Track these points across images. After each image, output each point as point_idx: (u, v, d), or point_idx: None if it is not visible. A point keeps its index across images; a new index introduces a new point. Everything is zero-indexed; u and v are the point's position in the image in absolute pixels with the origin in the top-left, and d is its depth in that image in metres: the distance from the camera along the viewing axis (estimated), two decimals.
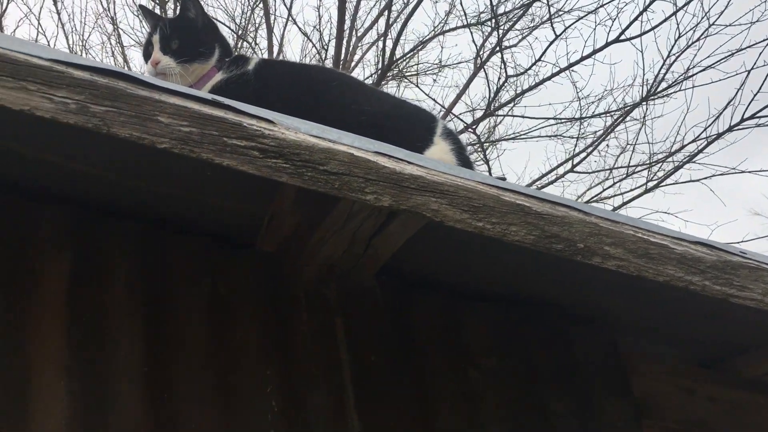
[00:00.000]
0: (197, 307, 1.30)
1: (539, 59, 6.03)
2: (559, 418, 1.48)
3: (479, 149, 6.53)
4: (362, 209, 1.24)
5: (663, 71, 6.73)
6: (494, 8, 6.01)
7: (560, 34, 5.78)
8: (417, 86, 6.69)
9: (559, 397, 1.50)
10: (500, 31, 6.11)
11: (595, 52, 5.99)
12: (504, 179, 1.12)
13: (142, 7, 1.94)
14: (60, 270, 1.21)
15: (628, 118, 7.39)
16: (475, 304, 1.55)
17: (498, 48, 6.27)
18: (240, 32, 9.02)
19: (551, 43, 5.84)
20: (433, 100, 6.59)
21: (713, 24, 6.25)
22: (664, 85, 6.98)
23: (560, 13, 6.60)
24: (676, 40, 6.63)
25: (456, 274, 1.51)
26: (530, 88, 6.38)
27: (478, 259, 1.40)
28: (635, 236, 1.05)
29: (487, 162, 6.24)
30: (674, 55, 6.73)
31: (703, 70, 6.70)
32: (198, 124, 0.93)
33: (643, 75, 6.73)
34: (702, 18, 6.58)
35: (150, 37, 1.81)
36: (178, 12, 1.89)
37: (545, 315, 1.57)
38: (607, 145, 7.15)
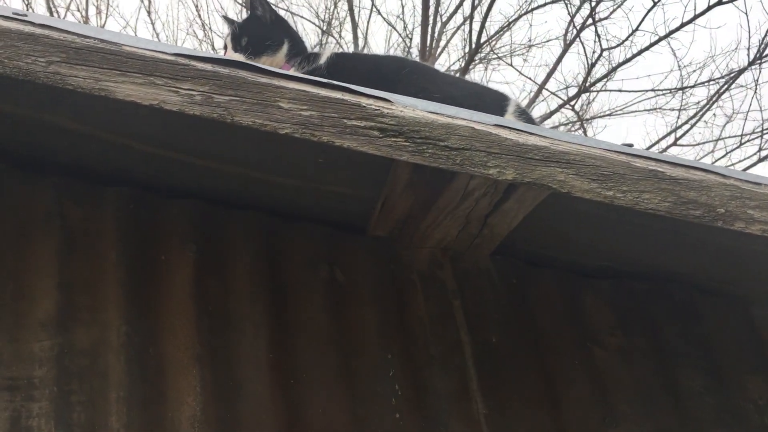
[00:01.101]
0: (316, 292, 1.32)
1: (636, 29, 5.75)
2: (694, 397, 1.41)
3: (579, 127, 6.33)
4: (478, 187, 1.21)
5: None
6: None
7: (658, 1, 5.49)
8: (510, 65, 6.53)
9: (692, 374, 1.42)
10: (592, 2, 5.88)
11: (696, 17, 5.65)
12: (631, 146, 1.07)
13: (224, 17, 2.03)
14: (187, 261, 1.25)
15: (733, 85, 6.97)
16: (594, 281, 1.50)
17: (591, 20, 6.03)
18: (325, 27, 9.14)
19: (648, 11, 5.55)
20: (525, 76, 6.44)
21: None
22: None
23: None
24: None
25: (573, 251, 1.46)
26: (627, 60, 6.10)
27: (596, 234, 1.34)
28: None
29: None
30: None
31: None
32: (318, 107, 0.93)
33: (749, 38, 6.32)
34: None
35: (225, 40, 1.88)
36: (249, 12, 1.95)
37: (670, 288, 1.49)
38: (714, 114, 6.76)
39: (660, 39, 5.71)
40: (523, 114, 1.70)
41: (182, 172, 1.30)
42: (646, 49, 5.87)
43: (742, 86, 7.08)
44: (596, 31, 5.76)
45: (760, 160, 6.33)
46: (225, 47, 1.89)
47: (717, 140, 6.86)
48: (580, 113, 6.61)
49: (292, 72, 1.80)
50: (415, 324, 1.36)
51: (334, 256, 1.37)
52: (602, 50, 5.90)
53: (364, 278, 1.37)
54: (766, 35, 6.37)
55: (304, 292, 1.31)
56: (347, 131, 0.93)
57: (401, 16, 9.19)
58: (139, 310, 1.16)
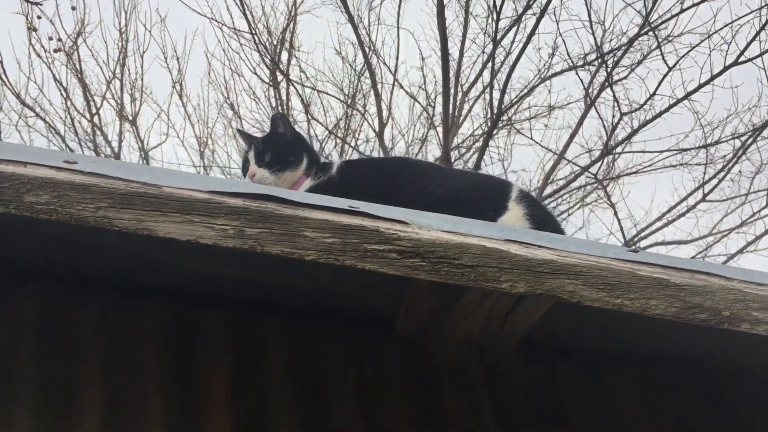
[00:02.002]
0: (348, 394, 1.37)
1: (653, 94, 5.86)
2: None
3: (603, 194, 6.38)
4: (495, 291, 1.28)
5: None
6: (600, 47, 5.94)
7: (673, 66, 5.61)
8: (531, 138, 6.66)
9: None
10: (607, 69, 6.01)
11: (713, 77, 5.75)
12: (636, 251, 1.13)
13: (239, 131, 2.20)
14: (223, 370, 1.32)
15: (759, 138, 6.98)
16: (619, 367, 1.53)
17: (608, 84, 6.16)
18: (349, 101, 9.43)
19: (665, 76, 5.67)
20: (544, 147, 6.54)
21: None
22: None
23: (669, 39, 6.42)
24: None
25: (596, 339, 1.50)
26: (646, 123, 6.19)
27: (617, 324, 1.38)
28: None
29: (612, 205, 6.08)
30: None
31: None
32: (339, 234, 1.01)
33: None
34: None
35: (246, 155, 2.04)
36: (269, 129, 2.10)
37: (697, 370, 1.52)
38: (740, 171, 6.76)
39: (678, 101, 5.80)
40: (526, 197, 1.79)
41: (214, 281, 1.38)
42: (666, 111, 5.96)
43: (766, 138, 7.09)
44: (614, 96, 5.85)
45: None
46: (245, 161, 2.03)
47: (747, 194, 6.83)
48: (601, 176, 6.66)
49: (308, 182, 1.94)
50: (445, 420, 1.41)
51: (363, 356, 1.43)
52: (621, 114, 5.99)
53: (393, 376, 1.43)
54: None
55: (337, 394, 1.37)
56: (368, 255, 1.01)
57: (423, 86, 9.43)
58: (181, 421, 1.23)
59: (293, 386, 1.34)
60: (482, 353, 1.48)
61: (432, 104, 9.12)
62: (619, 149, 6.74)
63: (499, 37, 6.81)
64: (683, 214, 7.13)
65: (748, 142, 6.85)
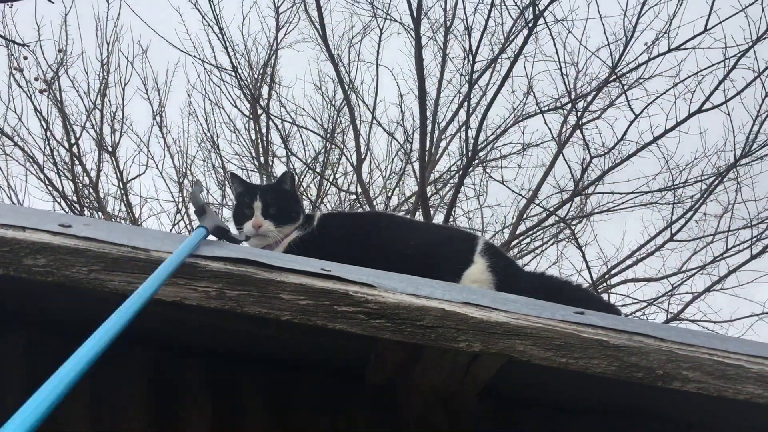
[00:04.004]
0: None
1: (621, 139, 6.10)
2: None
3: (571, 236, 6.56)
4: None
5: (754, 131, 6.62)
6: (569, 92, 6.18)
7: (639, 114, 5.85)
8: (502, 183, 6.85)
9: None
10: (577, 113, 6.24)
11: (678, 124, 6.00)
12: (582, 313, 1.24)
13: (233, 175, 2.28)
14: (203, 416, 1.40)
15: (726, 180, 7.24)
16: (577, 418, 1.63)
17: (578, 127, 6.38)
18: (327, 136, 9.58)
19: (631, 123, 5.91)
20: (514, 191, 6.72)
21: None
22: (761, 141, 6.84)
23: (635, 85, 6.68)
24: (763, 99, 6.53)
25: (552, 391, 1.60)
26: (615, 166, 6.42)
27: (571, 378, 1.49)
28: (711, 359, 1.13)
29: (579, 247, 6.25)
30: (765, 113, 6.61)
31: None
32: (312, 297, 1.11)
33: (734, 137, 6.62)
34: None
35: (250, 201, 2.11)
36: (274, 182, 2.21)
37: (646, 423, 1.62)
38: (704, 214, 6.99)
39: (645, 146, 6.02)
40: (490, 250, 1.92)
41: (196, 332, 1.47)
42: (633, 154, 6.18)
43: (733, 180, 7.35)
44: (584, 139, 6.06)
45: (753, 257, 6.49)
46: (246, 207, 2.10)
47: (713, 234, 7.05)
48: (570, 217, 6.85)
49: (295, 233, 2.04)
50: None
51: (336, 404, 1.52)
52: (591, 157, 6.20)
53: (363, 424, 1.51)
54: (749, 135, 6.68)
55: None
56: (338, 316, 1.11)
57: (401, 122, 9.60)
58: None
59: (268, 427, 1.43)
60: (446, 402, 1.57)
61: (410, 140, 9.30)
62: (590, 189, 6.95)
63: (474, 78, 7.02)
64: (652, 253, 7.33)
65: (714, 183, 7.09)
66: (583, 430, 1.62)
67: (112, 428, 1.33)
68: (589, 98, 6.53)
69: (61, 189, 8.66)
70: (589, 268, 6.03)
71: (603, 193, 7.15)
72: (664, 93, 5.99)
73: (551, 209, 6.76)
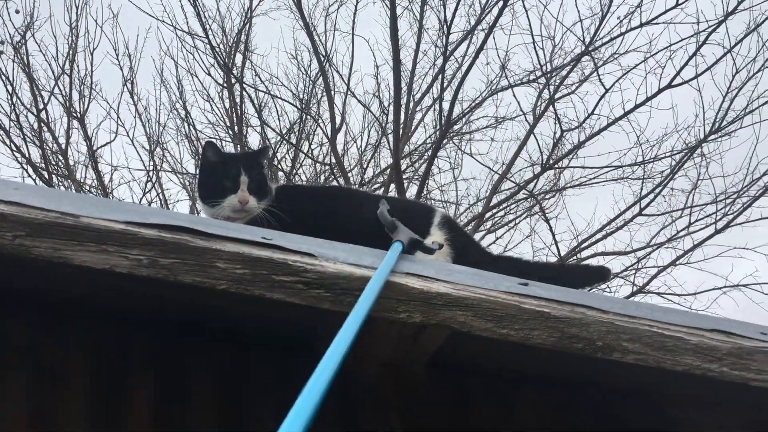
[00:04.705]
0: (270, 412, 1.44)
1: (591, 113, 6.11)
2: None
3: (539, 211, 6.59)
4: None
5: (724, 108, 6.67)
6: (542, 66, 6.16)
7: (609, 88, 5.85)
8: (470, 155, 6.84)
9: None
10: (549, 88, 6.23)
11: (648, 99, 6.02)
12: (526, 284, 1.23)
13: (210, 144, 2.13)
14: (147, 387, 1.37)
15: (695, 156, 7.30)
16: (523, 387, 1.63)
17: (550, 102, 6.38)
18: (303, 106, 9.47)
19: (601, 97, 5.93)
20: (485, 166, 6.71)
21: None
22: (731, 117, 6.90)
23: (609, 61, 6.67)
24: (733, 76, 6.58)
25: (500, 361, 1.60)
26: (585, 141, 6.43)
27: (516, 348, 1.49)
28: (651, 330, 1.13)
29: (547, 221, 6.28)
30: (734, 90, 6.67)
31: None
32: (250, 266, 1.08)
33: (704, 114, 6.67)
34: (761, 49, 6.53)
35: (234, 174, 2.02)
36: (253, 154, 2.15)
37: (590, 393, 1.63)
38: (671, 189, 7.06)
39: (615, 120, 6.03)
40: (448, 223, 1.90)
41: (142, 301, 1.43)
42: (603, 129, 6.20)
43: (705, 156, 7.42)
44: (556, 114, 6.06)
45: (717, 231, 6.58)
46: (228, 179, 2.02)
47: (681, 209, 7.13)
48: (546, 188, 6.87)
49: (262, 205, 1.98)
50: None
51: (287, 378, 1.50)
52: (562, 132, 6.20)
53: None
54: (718, 111, 6.73)
55: (257, 414, 1.43)
56: (276, 286, 1.09)
57: (377, 94, 9.51)
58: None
59: (215, 406, 1.40)
60: (396, 373, 1.57)
61: (386, 112, 9.24)
62: (562, 163, 6.97)
63: (449, 50, 6.96)
64: (620, 227, 7.40)
65: (683, 159, 7.15)
66: (526, 400, 1.63)
67: (53, 402, 1.30)
68: (563, 72, 6.51)
69: (27, 155, 8.50)
70: (556, 243, 6.09)
71: (573, 167, 7.18)
72: (635, 67, 6.01)
73: (522, 183, 6.77)
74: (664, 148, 7.34)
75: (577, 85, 6.46)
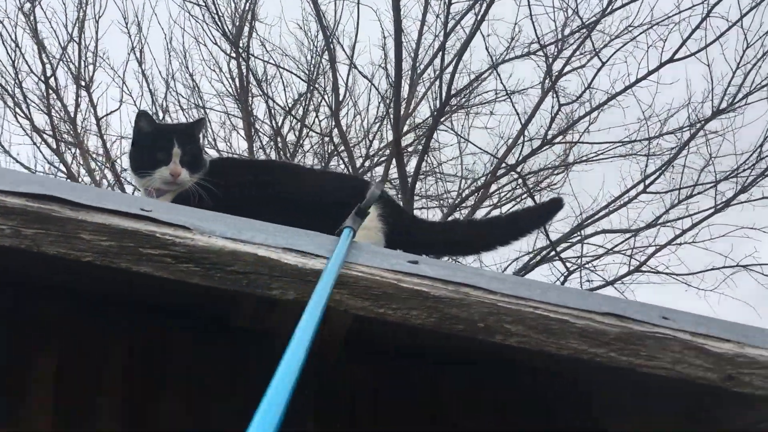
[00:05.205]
0: (179, 388, 1.42)
1: (588, 87, 5.98)
2: None
3: (525, 190, 6.49)
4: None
5: (735, 83, 6.50)
6: (539, 40, 6.02)
7: (605, 62, 5.71)
8: (467, 140, 6.70)
9: None
10: (548, 61, 6.10)
11: (650, 73, 5.88)
12: (416, 262, 1.19)
13: (143, 113, 2.13)
14: (51, 359, 1.35)
15: (702, 133, 7.14)
16: (442, 366, 1.60)
17: (551, 75, 6.25)
18: (309, 78, 9.39)
19: (598, 71, 5.78)
20: (481, 149, 6.60)
21: None
22: (742, 94, 6.72)
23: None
24: (744, 51, 6.39)
25: (416, 341, 1.56)
26: (584, 115, 6.30)
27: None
28: (535, 313, 1.09)
29: (533, 199, 6.19)
30: (745, 65, 6.49)
31: None
32: (116, 238, 1.05)
33: (712, 90, 6.50)
34: None
35: (167, 146, 1.98)
36: (188, 127, 2.11)
37: (517, 373, 1.59)
38: (672, 166, 6.92)
39: (614, 96, 5.90)
40: (383, 197, 1.85)
41: (49, 268, 1.41)
42: (603, 104, 6.06)
43: (714, 133, 7.25)
44: (554, 88, 5.93)
45: (717, 210, 6.45)
46: (160, 150, 1.98)
47: (693, 185, 6.98)
48: (525, 174, 6.76)
49: (195, 178, 1.94)
50: None
51: (197, 351, 1.48)
52: (560, 105, 6.09)
53: (225, 372, 1.47)
54: (727, 87, 6.55)
55: (162, 387, 1.42)
56: (143, 259, 1.05)
57: (384, 65, 9.39)
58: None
59: (121, 381, 1.39)
60: (312, 350, 1.53)
61: (392, 84, 9.11)
62: (562, 138, 6.85)
63: (451, 21, 6.83)
64: (624, 205, 7.28)
65: (691, 137, 7.00)
66: (445, 379, 1.59)
67: None
68: (562, 46, 6.37)
69: (31, 122, 8.56)
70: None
71: (574, 142, 7.05)
72: (632, 40, 5.83)
73: (509, 167, 6.65)
74: (674, 124, 7.20)
75: (582, 57, 6.30)
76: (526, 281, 1.19)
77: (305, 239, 1.18)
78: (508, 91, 7.60)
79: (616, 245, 7.16)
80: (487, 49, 6.13)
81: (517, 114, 6.39)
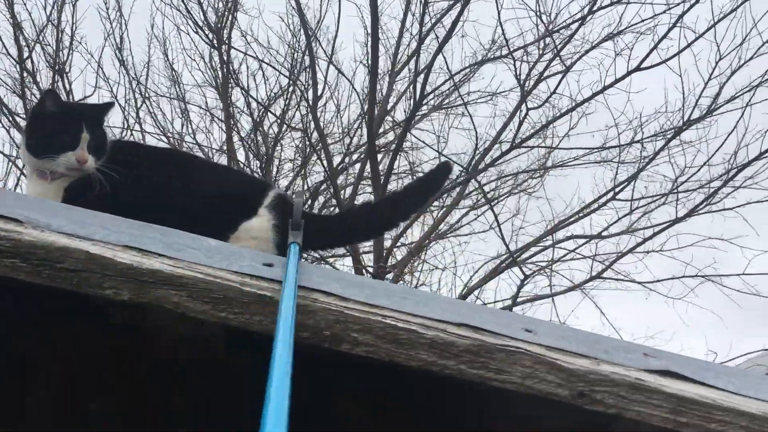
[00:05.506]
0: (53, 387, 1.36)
1: (553, 92, 5.95)
2: None
3: (482, 197, 6.46)
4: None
5: (710, 95, 6.49)
6: (508, 43, 5.98)
7: (570, 66, 5.68)
8: (430, 146, 6.65)
9: None
10: (517, 65, 6.07)
11: (617, 81, 5.85)
12: (271, 265, 1.13)
13: (50, 91, 1.97)
14: None
15: (673, 143, 7.12)
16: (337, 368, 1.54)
17: (521, 78, 6.22)
18: (291, 74, 9.33)
19: (563, 77, 5.75)
20: (442, 154, 6.55)
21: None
22: (714, 106, 6.70)
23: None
24: (716, 63, 6.39)
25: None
26: (550, 122, 6.28)
27: None
28: (383, 322, 1.04)
29: (489, 203, 6.17)
30: (716, 77, 6.48)
31: (747, 90, 6.41)
32: None
33: (683, 101, 6.49)
34: (744, 38, 6.34)
35: (75, 130, 1.88)
36: (97, 110, 2.01)
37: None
38: (639, 177, 6.90)
39: (579, 104, 5.89)
40: (279, 206, 1.79)
41: None
42: (570, 111, 6.04)
43: (688, 143, 7.25)
44: (522, 91, 5.91)
45: (678, 219, 6.45)
46: (66, 133, 1.87)
47: (652, 196, 6.99)
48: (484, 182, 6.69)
49: (98, 164, 1.86)
50: (145, 415, 1.41)
51: (81, 342, 1.41)
52: (527, 110, 6.06)
53: (103, 367, 1.42)
54: (699, 97, 6.55)
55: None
56: None
57: (365, 62, 9.33)
58: None
59: None
60: (195, 345, 1.48)
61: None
62: (530, 142, 6.82)
63: (427, 24, 6.78)
64: (594, 211, 7.27)
65: (663, 147, 6.98)
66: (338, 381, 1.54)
67: None
68: (542, 51, 6.33)
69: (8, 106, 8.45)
70: (499, 225, 5.95)
71: (537, 147, 7.02)
72: (596, 47, 5.80)
73: (469, 174, 6.61)
74: (648, 132, 7.18)
75: (544, 64, 6.25)
76: (391, 288, 1.14)
77: (152, 236, 1.12)
78: (495, 93, 7.59)
79: (576, 248, 7.14)
80: (451, 53, 6.05)
81: (474, 120, 6.31)
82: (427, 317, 1.07)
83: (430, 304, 1.11)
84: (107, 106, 2.01)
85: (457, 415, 1.16)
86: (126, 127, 8.80)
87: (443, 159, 7.29)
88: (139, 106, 8.99)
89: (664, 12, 5.56)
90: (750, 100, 6.31)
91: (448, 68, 6.43)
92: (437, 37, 7.37)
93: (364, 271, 7.46)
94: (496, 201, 7.77)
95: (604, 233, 7.50)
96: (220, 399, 1.47)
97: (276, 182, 9.23)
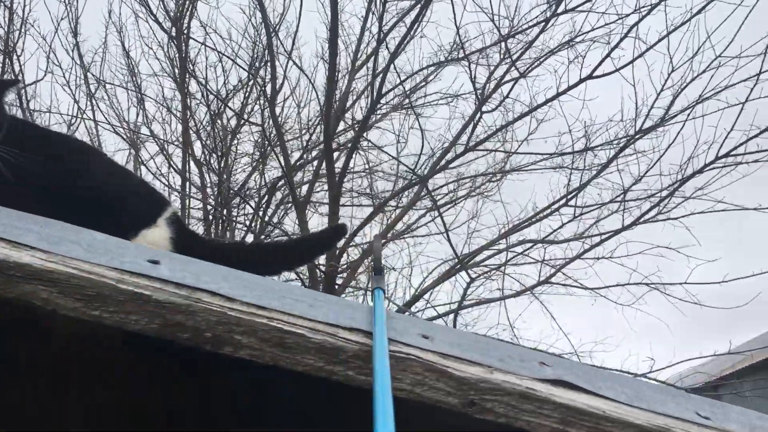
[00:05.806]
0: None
1: (505, 99, 5.99)
2: None
3: (434, 208, 6.46)
4: None
5: (662, 105, 6.59)
6: (463, 46, 5.99)
7: (524, 74, 5.72)
8: (381, 149, 6.62)
9: None
10: (472, 68, 6.07)
11: (569, 88, 5.90)
12: (157, 262, 1.07)
13: None
14: None
15: (625, 152, 7.22)
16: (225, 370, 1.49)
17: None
18: (251, 67, 9.20)
19: (515, 83, 5.78)
20: (394, 157, 6.52)
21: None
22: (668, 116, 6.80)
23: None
24: (669, 74, 6.49)
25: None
26: (504, 126, 6.31)
27: None
28: (269, 325, 0.99)
29: (437, 208, 6.17)
30: (668, 88, 6.58)
31: (699, 102, 6.53)
32: None
33: (636, 110, 6.58)
34: (696, 51, 6.45)
35: None
36: None
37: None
38: (587, 185, 6.99)
39: (531, 110, 5.93)
40: (176, 223, 1.75)
41: None
42: (523, 116, 6.08)
43: (640, 152, 7.35)
44: (476, 95, 5.91)
45: (624, 228, 6.54)
46: None
47: (601, 204, 7.07)
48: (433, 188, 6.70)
49: None
50: (30, 413, 1.35)
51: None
52: (481, 114, 6.07)
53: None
54: (651, 107, 6.64)
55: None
56: None
57: (325, 57, 9.25)
58: None
59: None
60: (89, 341, 1.42)
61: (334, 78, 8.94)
62: (482, 147, 6.84)
63: (386, 25, 6.74)
64: (545, 217, 7.32)
65: (611, 156, 7.07)
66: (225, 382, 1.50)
67: None
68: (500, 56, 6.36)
69: None
70: (447, 230, 5.95)
71: (494, 150, 7.05)
72: (550, 54, 5.84)
73: (420, 179, 6.59)
74: (601, 140, 7.26)
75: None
76: (286, 290, 1.09)
77: (27, 228, 1.05)
78: (443, 95, 7.58)
79: (525, 251, 7.20)
80: (413, 53, 6.03)
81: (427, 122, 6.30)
82: (318, 321, 1.02)
83: (324, 307, 1.06)
84: (9, 82, 1.89)
85: (348, 416, 1.12)
86: (76, 114, 8.57)
87: (399, 161, 7.27)
88: (93, 92, 8.77)
89: (615, 22, 5.63)
90: (703, 112, 6.44)
91: (397, 73, 6.39)
92: (396, 38, 7.36)
93: (317, 270, 7.39)
94: (452, 204, 7.78)
95: (555, 238, 7.56)
96: (115, 400, 1.41)
97: (232, 176, 9.12)
